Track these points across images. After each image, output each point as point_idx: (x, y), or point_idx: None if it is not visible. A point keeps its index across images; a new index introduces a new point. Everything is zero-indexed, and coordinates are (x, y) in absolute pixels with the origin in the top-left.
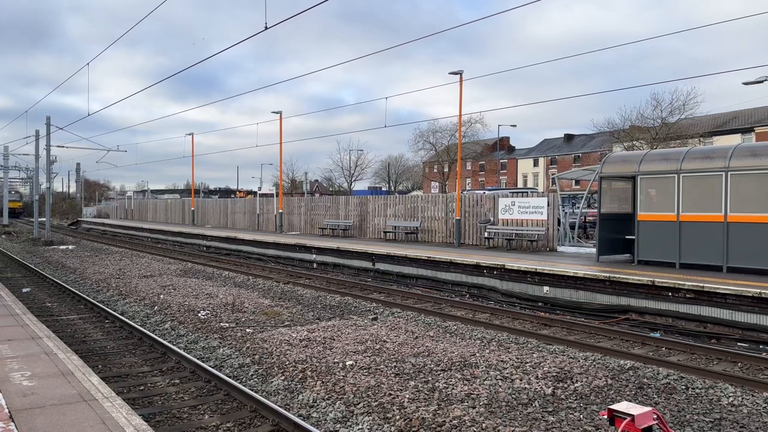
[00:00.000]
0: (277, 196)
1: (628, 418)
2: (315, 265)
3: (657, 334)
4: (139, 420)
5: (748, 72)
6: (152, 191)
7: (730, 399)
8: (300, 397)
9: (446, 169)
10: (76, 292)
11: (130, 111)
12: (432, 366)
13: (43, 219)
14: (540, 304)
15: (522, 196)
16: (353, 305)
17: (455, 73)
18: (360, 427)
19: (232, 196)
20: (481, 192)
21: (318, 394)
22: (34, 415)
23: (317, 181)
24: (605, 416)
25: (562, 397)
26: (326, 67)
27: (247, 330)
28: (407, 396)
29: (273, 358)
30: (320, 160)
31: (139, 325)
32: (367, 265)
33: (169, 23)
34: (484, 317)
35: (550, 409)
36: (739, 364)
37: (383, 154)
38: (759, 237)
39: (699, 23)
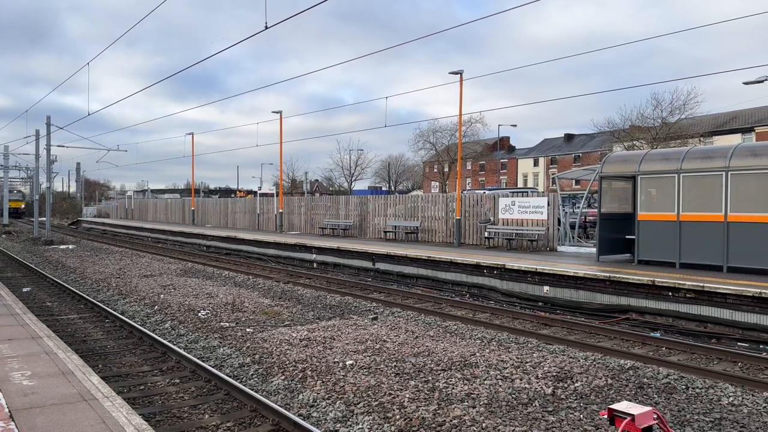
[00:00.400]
0: (277, 195)
1: (629, 418)
2: (315, 265)
3: (657, 334)
4: (140, 419)
5: (748, 72)
6: (152, 191)
7: (731, 399)
8: (300, 396)
9: (446, 169)
10: (77, 291)
11: (129, 111)
12: (432, 366)
13: (44, 219)
14: (540, 303)
15: (522, 196)
16: (353, 305)
17: (455, 73)
18: (360, 426)
19: (233, 195)
20: (482, 192)
21: (318, 393)
22: (34, 414)
23: (317, 180)
24: (605, 416)
25: (563, 396)
26: (325, 67)
27: (248, 329)
28: (407, 396)
29: (273, 358)
30: (320, 160)
31: (139, 325)
32: (368, 264)
33: (168, 23)
34: (484, 317)
35: (550, 409)
36: (740, 363)
37: (383, 153)
38: (759, 237)
39: (698, 23)
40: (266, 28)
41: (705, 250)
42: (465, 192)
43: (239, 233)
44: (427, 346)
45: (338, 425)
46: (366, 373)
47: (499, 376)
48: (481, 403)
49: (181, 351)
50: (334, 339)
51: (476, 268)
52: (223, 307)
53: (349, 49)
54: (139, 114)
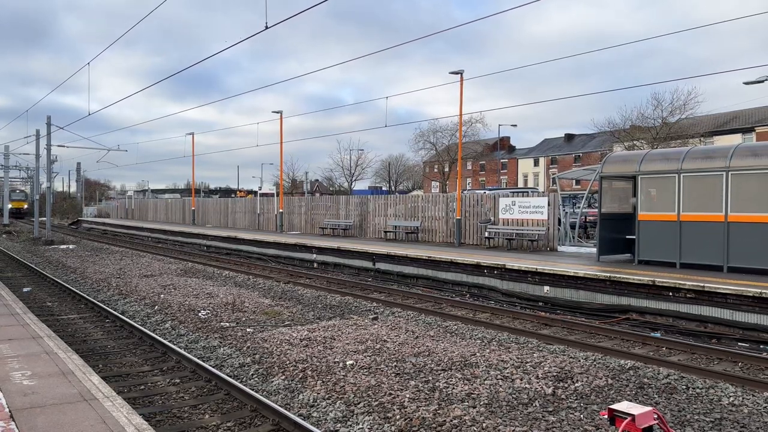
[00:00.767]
0: (277, 195)
1: (629, 418)
2: (315, 265)
3: (657, 334)
4: (140, 419)
5: (748, 72)
6: (153, 191)
7: (731, 399)
8: (300, 396)
9: (447, 169)
10: (77, 291)
11: (128, 111)
12: (432, 366)
13: (44, 218)
14: (540, 303)
15: (522, 196)
16: (354, 305)
17: (455, 73)
18: (360, 426)
19: (233, 195)
20: (482, 192)
21: (318, 393)
22: (34, 414)
23: (318, 180)
24: (606, 416)
25: (563, 396)
26: (324, 67)
27: (248, 329)
28: (408, 396)
29: (273, 358)
30: (320, 160)
31: (140, 325)
32: (368, 264)
33: (165, 23)
34: (484, 317)
35: (550, 409)
36: (740, 364)
37: (383, 153)
38: (760, 237)
39: (698, 23)
40: (266, 28)
41: (705, 250)
42: (465, 192)
43: (239, 233)
44: (427, 346)
45: (338, 425)
46: (366, 373)
47: (499, 376)
48: (482, 403)
49: (182, 351)
50: (335, 339)
51: (476, 268)
52: (223, 307)
53: (347, 49)
54: (138, 114)
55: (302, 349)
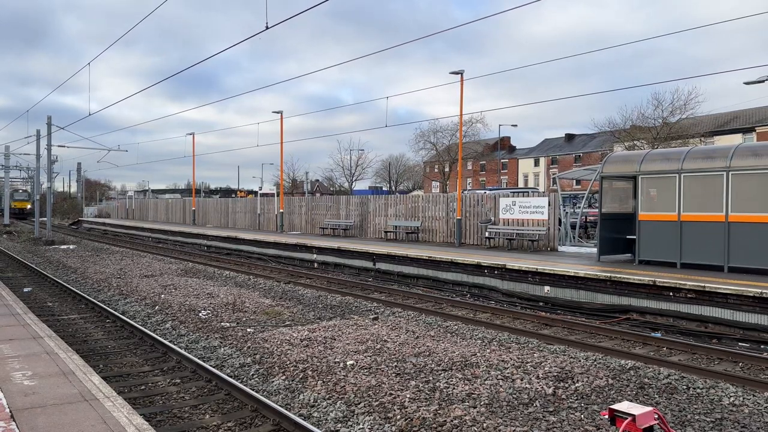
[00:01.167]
0: (277, 195)
1: (629, 418)
2: (316, 265)
3: (658, 334)
4: (140, 419)
5: (748, 72)
6: (153, 191)
7: (732, 399)
8: (301, 396)
9: (447, 169)
10: (77, 291)
11: (128, 111)
12: (433, 366)
13: (44, 219)
14: (541, 303)
15: (523, 196)
16: (354, 305)
17: (456, 73)
18: (361, 426)
19: (233, 195)
20: (482, 192)
21: (319, 393)
22: (35, 414)
23: (318, 180)
24: (606, 416)
25: (563, 396)
26: (324, 67)
27: (248, 330)
28: (408, 396)
29: (274, 358)
30: (320, 160)
31: (140, 325)
32: (368, 264)
33: (164, 23)
34: (485, 317)
35: (551, 409)
36: (741, 364)
37: (384, 153)
38: (760, 237)
39: (697, 22)
40: (267, 28)
41: (706, 250)
42: (466, 192)
43: (240, 233)
44: (427, 346)
45: (339, 425)
46: (367, 373)
47: (499, 376)
48: (482, 403)
49: (182, 351)
50: (335, 339)
51: (477, 268)
52: (223, 307)
53: (346, 49)
54: (137, 114)
55: (303, 349)
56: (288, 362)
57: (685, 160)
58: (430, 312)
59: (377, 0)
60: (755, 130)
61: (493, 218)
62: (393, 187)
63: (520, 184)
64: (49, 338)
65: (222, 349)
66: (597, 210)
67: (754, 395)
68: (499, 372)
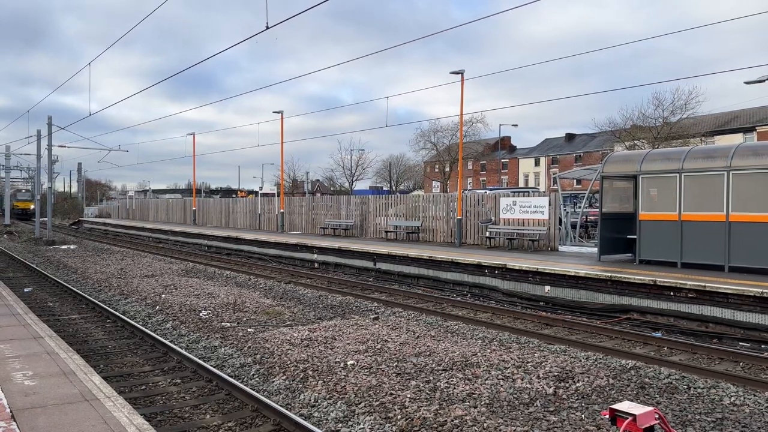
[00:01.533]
0: (278, 195)
1: (630, 418)
2: (316, 265)
3: (659, 334)
4: (141, 419)
5: (748, 71)
6: (154, 191)
7: (732, 399)
8: (301, 396)
9: (447, 169)
10: (78, 291)
11: (127, 111)
12: (433, 366)
13: (45, 219)
14: (541, 303)
15: (523, 196)
16: (354, 305)
17: (456, 73)
18: (361, 426)
19: (234, 195)
20: (483, 191)
21: (319, 393)
22: (35, 414)
23: (318, 180)
24: (607, 416)
25: (564, 396)
26: (324, 68)
27: (249, 330)
28: (409, 395)
29: (274, 358)
30: (320, 160)
31: (141, 325)
32: (369, 264)
33: (163, 22)
34: (485, 317)
35: (551, 409)
36: (741, 363)
37: (384, 153)
38: (761, 236)
39: (697, 22)
40: (267, 28)
41: (706, 249)
42: (466, 192)
43: (240, 233)
44: (428, 346)
45: (339, 425)
46: (367, 373)
47: (500, 376)
48: (483, 403)
49: (183, 351)
50: (336, 339)
51: (477, 268)
52: (224, 307)
53: (345, 49)
54: (137, 114)
55: (303, 349)
56: (288, 362)
57: (686, 159)
58: (430, 312)
59: (377, 0)
60: (756, 130)
61: (493, 218)
62: (393, 187)
63: (521, 183)
64: (49, 338)
65: (222, 349)
66: (597, 210)
67: (755, 395)
68: (500, 372)
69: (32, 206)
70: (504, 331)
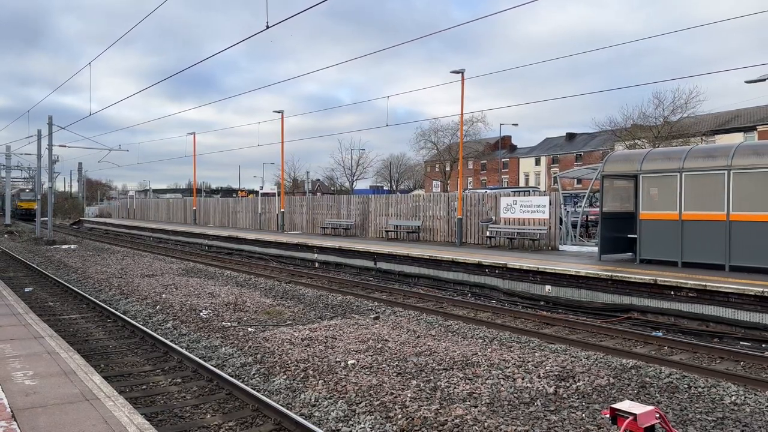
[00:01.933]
0: (278, 195)
1: (631, 417)
2: (317, 265)
3: (659, 333)
4: (142, 419)
5: (749, 70)
6: (154, 191)
7: (733, 398)
8: (302, 396)
9: (448, 168)
10: (79, 291)
11: (127, 111)
12: (434, 365)
13: (45, 218)
14: (542, 303)
15: (524, 195)
16: (355, 304)
17: (457, 72)
18: (362, 426)
19: (234, 195)
20: (483, 191)
21: (320, 393)
22: (36, 414)
23: (319, 180)
24: (607, 415)
25: (565, 396)
26: (322, 68)
27: (249, 329)
28: (409, 395)
29: (275, 358)
30: (321, 160)
31: (141, 325)
32: (369, 264)
33: (163, 22)
34: (486, 316)
35: (552, 408)
36: (742, 363)
37: (384, 153)
38: (761, 235)
39: (696, 22)
40: (267, 27)
41: (707, 249)
42: (467, 191)
43: (241, 233)
44: (428, 345)
45: (340, 425)
46: (368, 373)
47: (501, 376)
48: (483, 402)
49: (183, 351)
50: (336, 338)
51: (478, 268)
52: (224, 306)
53: (343, 49)
54: (136, 114)
55: (304, 349)
56: (289, 362)
57: (686, 159)
58: (431, 311)
59: (375, 0)
60: (756, 129)
61: (494, 217)
62: (394, 187)
63: (521, 183)
64: (50, 338)
65: (223, 348)
66: (598, 209)
67: (755, 394)
68: (501, 371)
69: (35, 206)
70: (504, 330)
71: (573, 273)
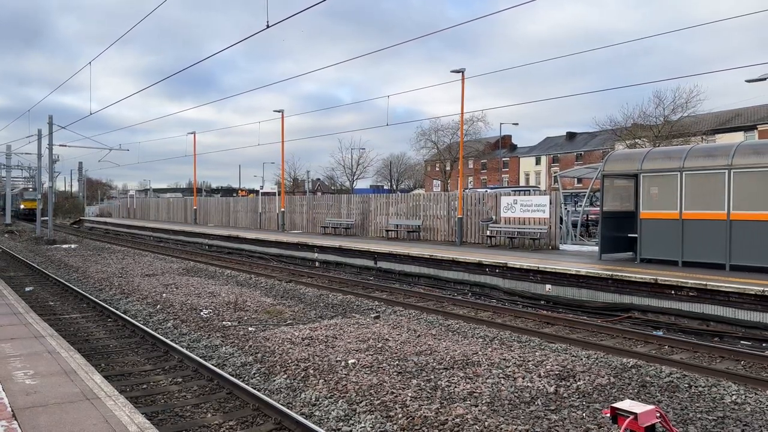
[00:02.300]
0: (279, 194)
1: (631, 417)
2: (317, 264)
3: (660, 333)
4: (142, 418)
5: (750, 70)
6: (154, 190)
7: (734, 397)
8: (302, 395)
9: (448, 168)
10: (79, 290)
11: (126, 110)
12: (434, 364)
13: (46, 218)
14: (542, 302)
15: (524, 195)
16: (355, 304)
17: (457, 72)
18: (362, 425)
19: (234, 194)
20: (484, 190)
21: (320, 392)
22: (37, 413)
23: (319, 179)
24: (608, 414)
25: (565, 395)
26: (322, 67)
27: (250, 328)
28: (410, 394)
29: (275, 357)
30: (321, 159)
31: (142, 324)
32: (370, 263)
33: (161, 21)
34: (486, 316)
35: (552, 408)
36: (742, 362)
37: (385, 152)
38: (762, 235)
39: (696, 21)
40: (267, 26)
41: (707, 248)
42: (467, 191)
43: (241, 232)
44: (429, 344)
45: (341, 424)
46: (368, 372)
47: (501, 375)
48: (484, 401)
49: (184, 350)
50: (337, 338)
51: (478, 267)
52: (225, 306)
53: (342, 48)
54: (136, 113)
55: (304, 348)
56: (289, 361)
57: (687, 158)
58: (431, 311)
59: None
60: (757, 128)
61: (494, 217)
62: (394, 186)
63: (522, 182)
64: (50, 337)
65: (223, 348)
66: (598, 208)
67: (756, 393)
68: (501, 371)
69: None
70: (505, 329)
71: (573, 272)
